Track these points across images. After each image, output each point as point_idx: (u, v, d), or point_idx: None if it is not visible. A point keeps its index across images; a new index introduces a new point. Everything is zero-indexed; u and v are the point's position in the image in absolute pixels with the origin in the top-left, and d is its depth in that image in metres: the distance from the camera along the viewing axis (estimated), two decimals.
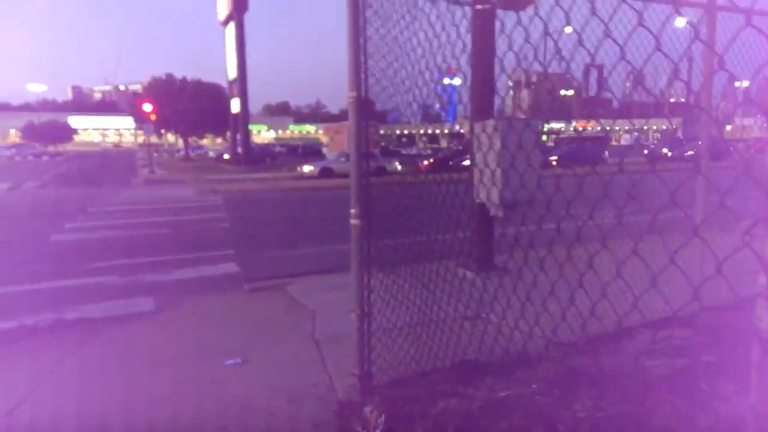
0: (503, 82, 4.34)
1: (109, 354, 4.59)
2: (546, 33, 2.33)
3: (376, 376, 3.31)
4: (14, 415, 3.47)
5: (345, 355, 3.90)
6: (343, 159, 27.24)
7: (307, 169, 27.18)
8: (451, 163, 23.97)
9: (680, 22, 4.75)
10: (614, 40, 1.41)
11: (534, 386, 2.98)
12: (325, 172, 26.22)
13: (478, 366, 3.19)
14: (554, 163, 23.34)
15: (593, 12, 1.43)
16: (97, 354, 4.60)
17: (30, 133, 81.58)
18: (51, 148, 76.43)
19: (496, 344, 3.11)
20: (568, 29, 2.28)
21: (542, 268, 2.48)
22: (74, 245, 10.21)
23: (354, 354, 3.35)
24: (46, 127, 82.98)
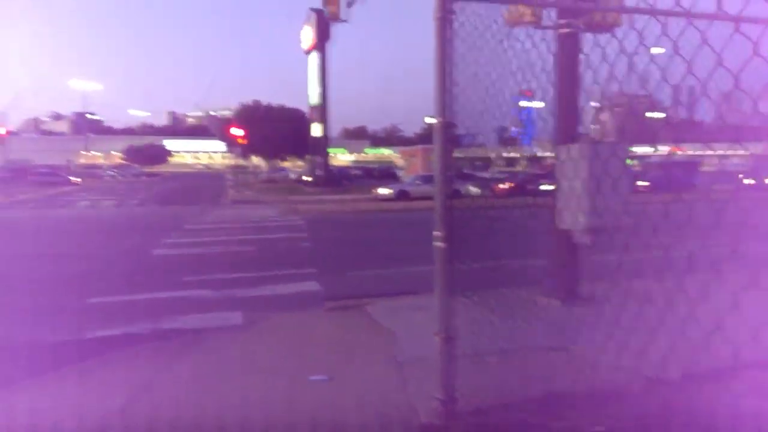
0: (588, 106, 4.25)
1: (204, 362, 4.89)
2: (630, 63, 2.29)
3: (459, 401, 3.29)
4: (124, 413, 3.78)
5: (426, 378, 3.90)
6: (419, 182, 27.44)
7: (384, 191, 27.64)
8: (529, 187, 23.44)
9: None
10: (727, 69, 1.39)
11: (626, 423, 2.84)
12: (402, 195, 26.53)
13: (566, 398, 3.09)
14: (644, 189, 22.13)
15: (703, 41, 1.41)
16: (193, 362, 4.91)
17: (130, 154, 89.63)
18: (148, 169, 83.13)
19: (585, 377, 3.01)
20: (657, 50, 2.23)
21: (633, 299, 2.39)
22: (171, 259, 11.05)
23: (435, 378, 3.35)
24: (145, 149, 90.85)
